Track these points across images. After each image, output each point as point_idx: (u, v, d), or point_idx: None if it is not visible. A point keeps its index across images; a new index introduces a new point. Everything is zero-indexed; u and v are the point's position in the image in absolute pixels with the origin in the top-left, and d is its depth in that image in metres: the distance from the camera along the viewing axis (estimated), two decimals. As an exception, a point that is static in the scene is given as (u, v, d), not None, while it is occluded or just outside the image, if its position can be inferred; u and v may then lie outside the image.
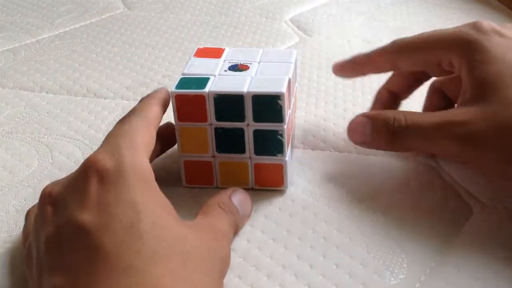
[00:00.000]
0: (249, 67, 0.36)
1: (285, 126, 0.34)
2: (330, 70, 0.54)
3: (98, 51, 0.58)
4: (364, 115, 0.36)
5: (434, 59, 0.35)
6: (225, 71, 0.36)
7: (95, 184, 0.27)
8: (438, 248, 0.32)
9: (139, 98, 0.49)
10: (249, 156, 0.35)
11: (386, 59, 0.38)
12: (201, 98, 0.34)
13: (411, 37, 0.37)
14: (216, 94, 0.33)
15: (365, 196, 0.36)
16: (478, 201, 0.36)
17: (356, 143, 0.37)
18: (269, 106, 0.33)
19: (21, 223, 0.35)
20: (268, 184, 0.36)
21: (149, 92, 0.50)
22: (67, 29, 0.64)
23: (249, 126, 0.34)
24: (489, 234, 0.33)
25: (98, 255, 0.25)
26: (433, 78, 0.40)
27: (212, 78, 0.35)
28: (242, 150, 0.35)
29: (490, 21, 0.35)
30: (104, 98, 0.49)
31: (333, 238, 0.33)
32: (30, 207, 0.34)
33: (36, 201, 0.37)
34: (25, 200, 0.37)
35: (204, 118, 0.34)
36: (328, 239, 0.33)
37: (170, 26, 0.64)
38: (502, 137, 0.31)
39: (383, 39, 0.60)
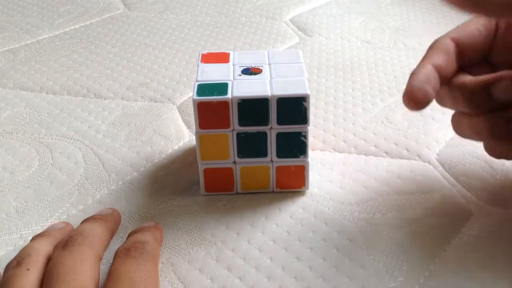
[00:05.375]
0: (261, 70, 0.36)
1: (309, 127, 0.34)
2: (330, 70, 0.54)
3: (98, 51, 0.58)
4: None
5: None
6: (239, 75, 0.36)
7: None
8: (437, 250, 0.32)
9: (139, 99, 0.50)
10: (271, 160, 0.36)
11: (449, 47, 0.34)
12: (224, 104, 0.33)
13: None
14: (240, 99, 0.33)
15: (365, 198, 0.37)
16: (477, 203, 0.36)
17: None
18: (294, 108, 0.33)
19: (22, 224, 0.35)
20: (289, 186, 0.37)
21: (149, 92, 0.50)
22: (67, 29, 0.64)
23: (272, 129, 0.34)
24: (488, 235, 0.33)
25: None
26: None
27: (229, 83, 0.35)
28: (264, 153, 0.35)
29: None
30: (104, 99, 0.49)
31: (333, 240, 0.33)
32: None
33: (37, 202, 0.37)
34: (25, 201, 0.37)
35: (226, 124, 0.34)
36: (328, 240, 0.33)
37: (170, 26, 0.64)
38: None
39: (383, 39, 0.60)
